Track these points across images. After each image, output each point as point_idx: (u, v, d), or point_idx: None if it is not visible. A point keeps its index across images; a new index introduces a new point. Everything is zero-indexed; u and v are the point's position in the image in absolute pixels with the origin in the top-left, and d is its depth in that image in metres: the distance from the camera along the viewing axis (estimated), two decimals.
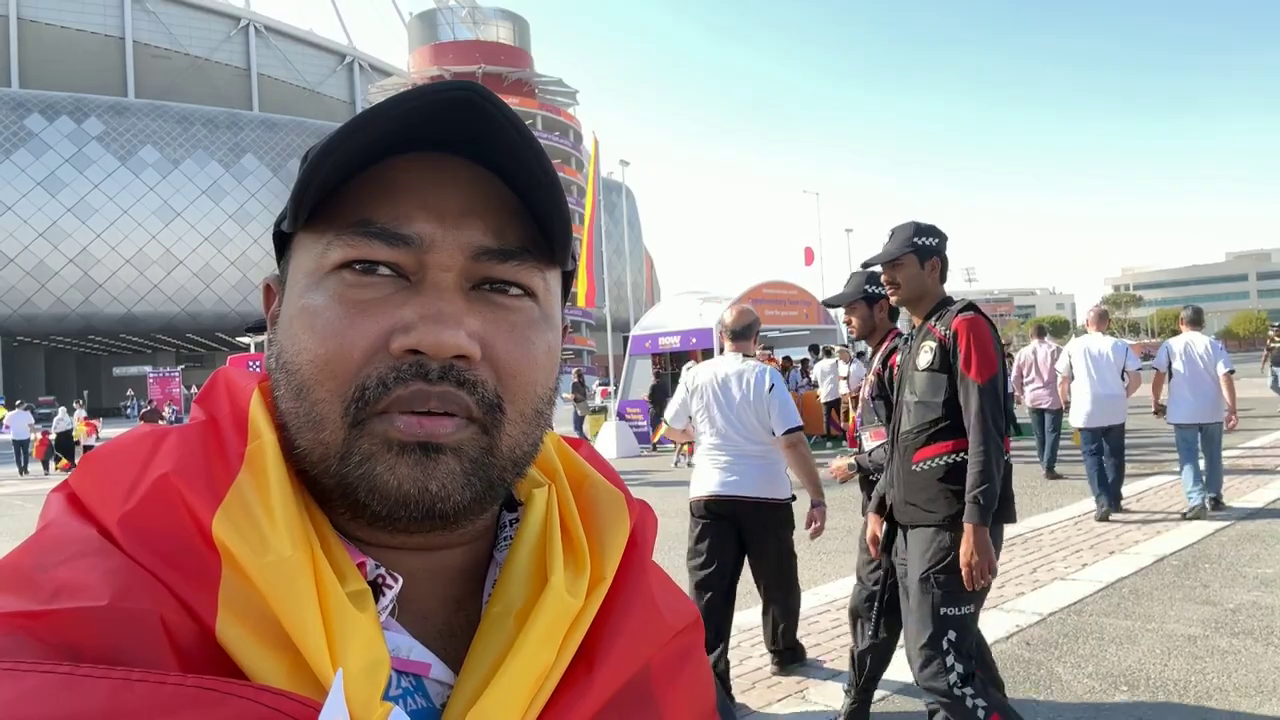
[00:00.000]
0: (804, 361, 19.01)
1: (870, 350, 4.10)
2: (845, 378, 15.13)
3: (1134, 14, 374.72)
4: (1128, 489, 8.98)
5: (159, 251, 66.51)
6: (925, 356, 3.07)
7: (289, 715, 0.42)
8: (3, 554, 0.49)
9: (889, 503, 3.25)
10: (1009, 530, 8.04)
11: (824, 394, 16.51)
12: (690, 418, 4.44)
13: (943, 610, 2.92)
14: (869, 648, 3.65)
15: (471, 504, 0.53)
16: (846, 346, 16.24)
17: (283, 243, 0.59)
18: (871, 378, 3.91)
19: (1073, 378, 8.58)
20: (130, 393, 52.66)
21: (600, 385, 21.91)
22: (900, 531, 3.20)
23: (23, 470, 21.67)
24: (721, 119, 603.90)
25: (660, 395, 18.28)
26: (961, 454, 2.95)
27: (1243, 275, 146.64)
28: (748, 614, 5.03)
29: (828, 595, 5.81)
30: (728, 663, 4.20)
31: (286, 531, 0.48)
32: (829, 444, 16.01)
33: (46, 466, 22.04)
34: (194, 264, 67.48)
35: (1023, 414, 14.97)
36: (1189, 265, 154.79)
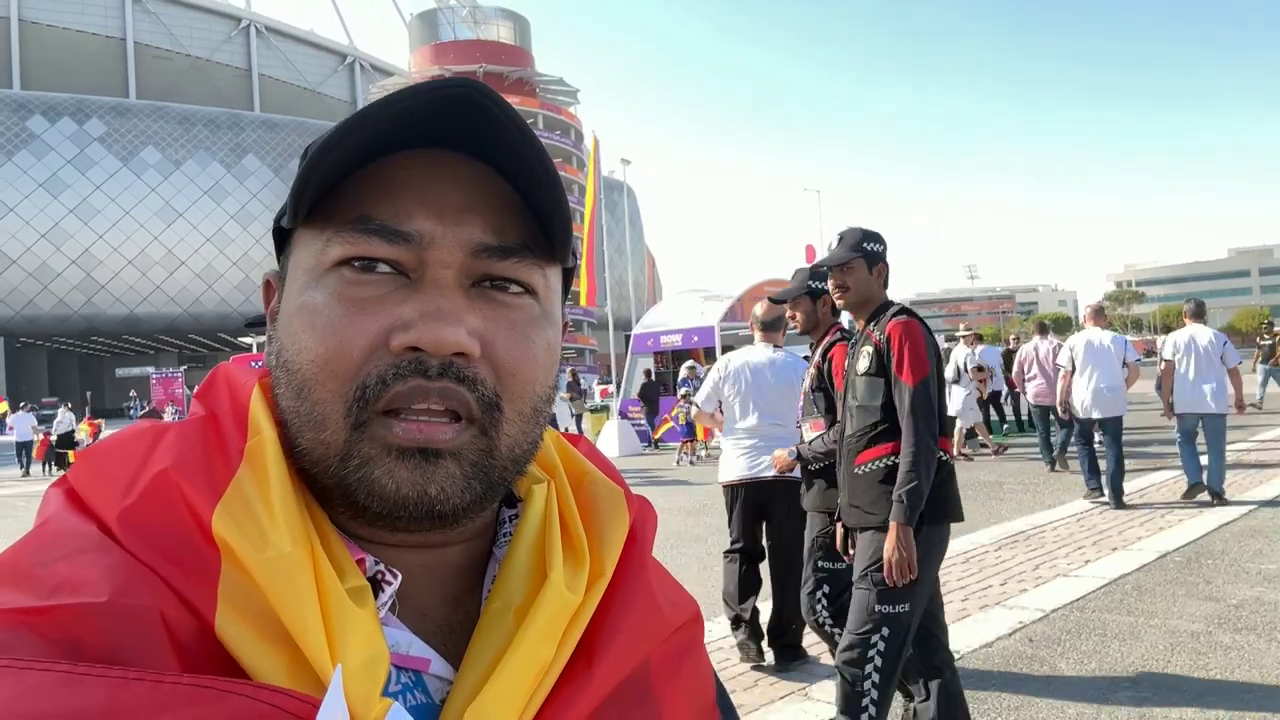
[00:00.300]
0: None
1: (812, 344, 4.16)
2: None
3: (1136, 10, 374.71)
4: (1131, 484, 9.03)
5: (161, 252, 66.63)
6: (863, 361, 3.15)
7: (288, 712, 0.42)
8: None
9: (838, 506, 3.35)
10: (1010, 527, 8.04)
11: None
12: (720, 402, 4.77)
13: (877, 608, 2.97)
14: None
15: (471, 505, 0.53)
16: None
17: (282, 238, 0.59)
18: (812, 370, 4.02)
19: (1074, 371, 8.74)
20: (133, 393, 52.72)
21: (600, 384, 21.89)
22: (849, 534, 3.30)
23: (25, 472, 21.72)
24: (722, 117, 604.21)
25: (652, 394, 18.29)
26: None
27: (1245, 271, 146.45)
28: None
29: None
30: (756, 610, 4.59)
31: (286, 527, 0.48)
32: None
33: (46, 468, 22.06)
34: (196, 265, 67.61)
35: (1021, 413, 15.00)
36: (1191, 261, 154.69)
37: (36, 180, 63.17)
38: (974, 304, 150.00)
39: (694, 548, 7.67)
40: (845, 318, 4.03)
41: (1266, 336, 19.11)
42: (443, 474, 0.51)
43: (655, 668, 0.57)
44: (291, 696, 0.43)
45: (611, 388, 21.33)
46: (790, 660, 4.49)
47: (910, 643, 3.04)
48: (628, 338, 20.14)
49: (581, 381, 20.99)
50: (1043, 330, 12.03)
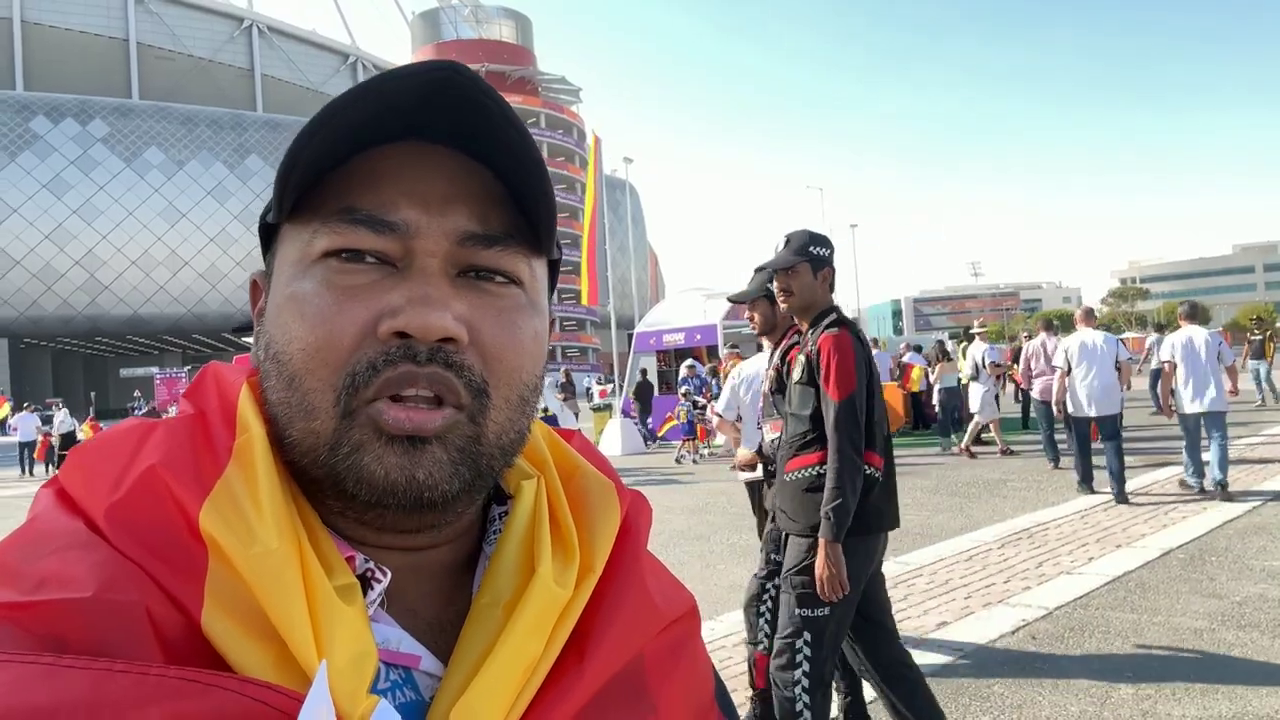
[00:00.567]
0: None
1: (770, 346, 4.17)
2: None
3: (1139, 5, 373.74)
4: (1134, 481, 9.09)
5: (164, 253, 66.74)
6: (797, 370, 3.15)
7: (273, 706, 0.42)
8: None
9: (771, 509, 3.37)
10: (1013, 524, 8.03)
11: None
12: (739, 410, 4.83)
13: (798, 611, 2.99)
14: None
15: (460, 493, 0.53)
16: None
17: (268, 237, 0.59)
18: (771, 372, 4.03)
19: (1069, 371, 8.97)
20: (137, 394, 52.77)
21: (599, 385, 21.85)
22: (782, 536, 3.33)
23: (27, 472, 21.76)
24: (724, 116, 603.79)
25: (645, 393, 18.29)
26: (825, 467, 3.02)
27: (1249, 268, 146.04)
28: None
29: None
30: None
31: (274, 524, 0.48)
32: None
33: (48, 469, 22.11)
34: (200, 265, 67.72)
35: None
36: (1195, 258, 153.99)
37: (40, 181, 63.29)
38: (978, 301, 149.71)
39: (696, 546, 7.67)
40: None
41: (1255, 332, 18.96)
42: (430, 459, 0.51)
43: (650, 662, 0.57)
44: (277, 691, 0.43)
45: (610, 388, 21.30)
46: None
47: (837, 646, 3.05)
48: (630, 336, 20.14)
49: (575, 384, 20.97)
50: (1049, 327, 12.06)
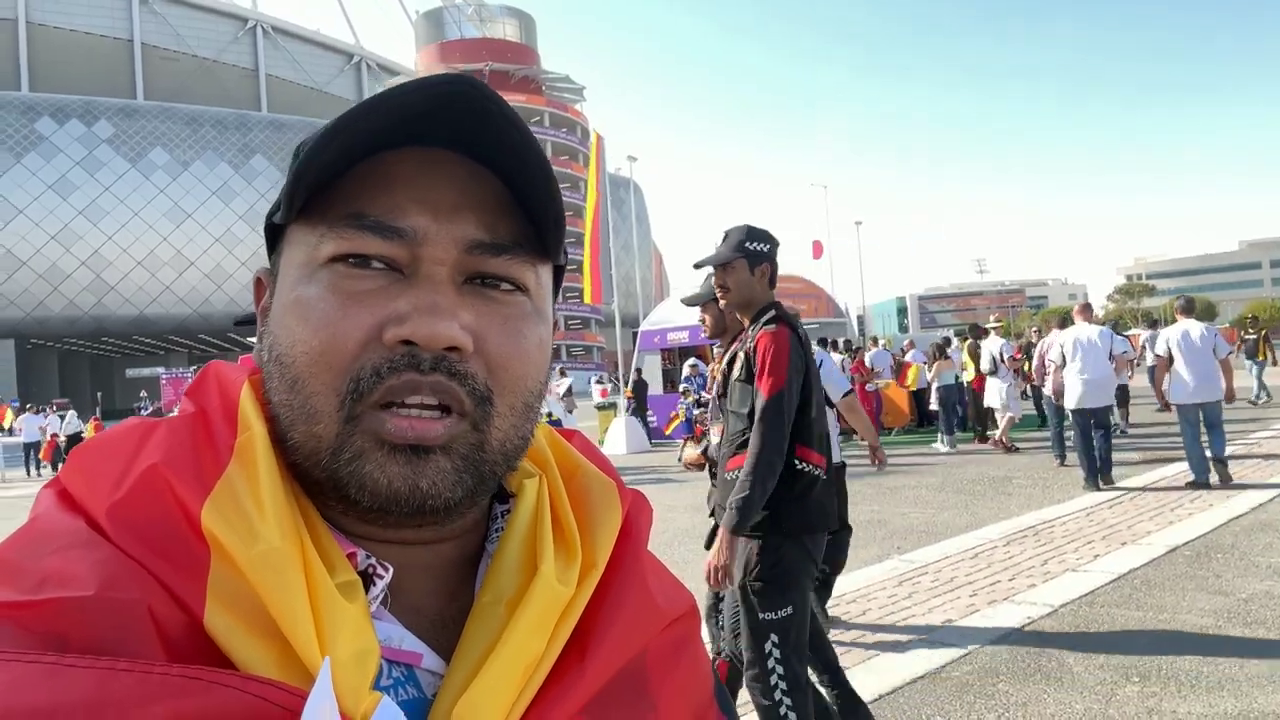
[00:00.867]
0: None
1: (719, 349, 4.16)
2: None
3: (1144, 1, 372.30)
4: (1140, 478, 9.18)
5: (170, 253, 66.87)
6: (737, 368, 3.11)
7: (276, 704, 0.42)
8: None
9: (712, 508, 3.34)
10: (1019, 522, 8.01)
11: None
12: None
13: (762, 616, 2.95)
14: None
15: (463, 500, 0.53)
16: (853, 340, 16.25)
17: (274, 235, 0.59)
18: (719, 375, 4.01)
19: (1064, 365, 9.31)
20: (144, 394, 52.86)
21: (599, 385, 21.81)
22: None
23: (32, 472, 21.83)
24: (727, 114, 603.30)
25: (640, 392, 18.28)
26: None
27: (1256, 263, 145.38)
28: None
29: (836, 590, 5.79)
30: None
31: (276, 522, 0.48)
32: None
33: (55, 469, 22.18)
34: (205, 265, 67.82)
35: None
36: (1202, 254, 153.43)
37: (45, 182, 63.42)
38: (983, 298, 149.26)
39: (699, 544, 7.64)
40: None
41: (1250, 331, 18.83)
42: (434, 468, 0.51)
43: (651, 660, 0.57)
44: (280, 688, 0.43)
45: (609, 386, 21.28)
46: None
47: (803, 643, 3.02)
48: (635, 335, 20.14)
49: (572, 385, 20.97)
50: (1063, 325, 12.06)
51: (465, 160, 0.55)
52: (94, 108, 66.62)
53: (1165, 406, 9.32)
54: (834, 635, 4.90)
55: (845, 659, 4.51)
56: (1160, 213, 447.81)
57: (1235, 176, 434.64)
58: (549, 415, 13.51)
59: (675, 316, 18.39)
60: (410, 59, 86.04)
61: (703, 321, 4.11)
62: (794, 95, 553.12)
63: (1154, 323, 20.78)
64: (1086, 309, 9.84)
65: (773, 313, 3.10)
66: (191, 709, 0.41)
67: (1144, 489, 8.77)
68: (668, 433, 17.49)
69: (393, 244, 0.52)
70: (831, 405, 4.67)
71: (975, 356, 13.95)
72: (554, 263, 0.60)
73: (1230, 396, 8.86)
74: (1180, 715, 3.65)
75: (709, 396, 5.01)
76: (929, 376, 14.75)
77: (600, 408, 19.74)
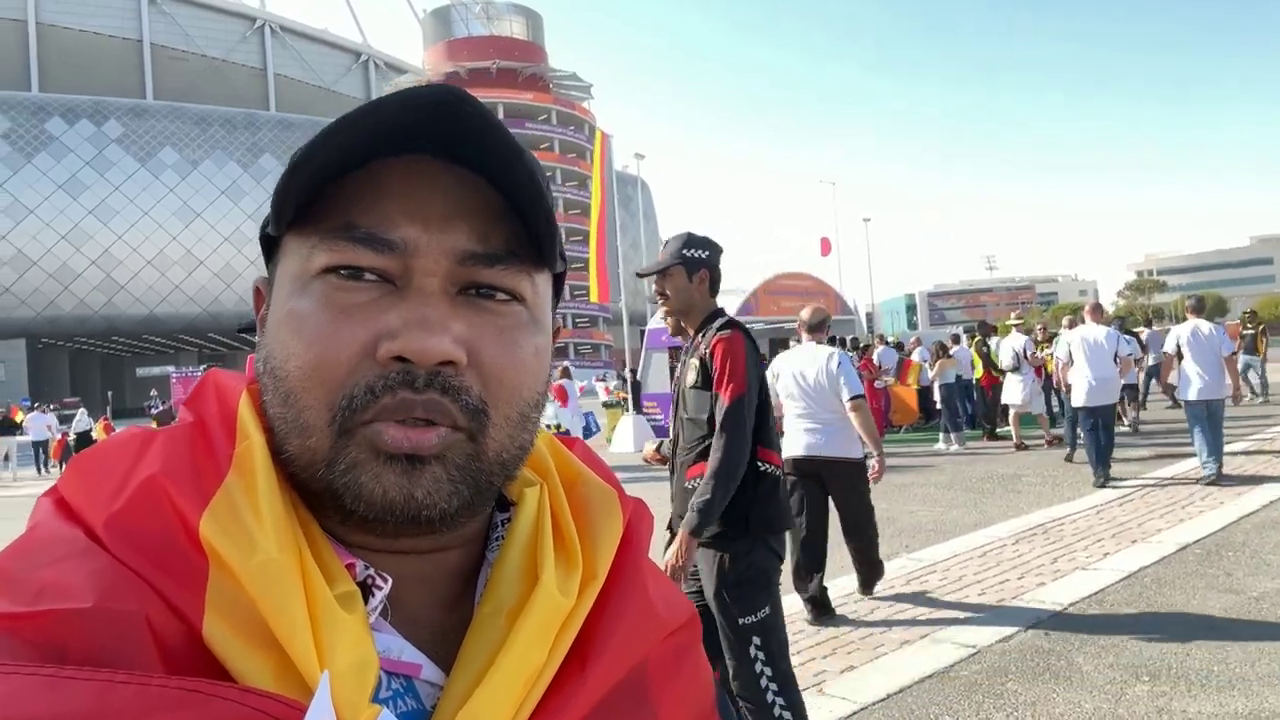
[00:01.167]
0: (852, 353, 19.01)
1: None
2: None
3: None
4: (1151, 475, 9.24)
5: (180, 252, 67.17)
6: (691, 374, 3.11)
7: (274, 716, 0.42)
8: None
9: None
10: (1028, 520, 7.99)
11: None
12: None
13: (741, 620, 2.95)
14: None
15: (459, 510, 0.53)
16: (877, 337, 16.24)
17: (270, 245, 0.59)
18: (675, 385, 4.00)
19: (1071, 363, 9.52)
20: (154, 393, 53.08)
21: (602, 383, 21.82)
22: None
23: (42, 471, 21.97)
24: (735, 111, 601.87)
25: (634, 391, 18.26)
26: None
27: (1267, 259, 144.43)
28: None
29: (841, 588, 5.79)
30: (825, 588, 5.25)
31: (274, 533, 0.48)
32: None
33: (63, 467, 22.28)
34: (215, 264, 68.10)
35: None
36: (1212, 250, 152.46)
37: (56, 182, 63.77)
38: (993, 295, 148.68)
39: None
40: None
41: (1248, 326, 18.76)
42: (429, 478, 0.51)
43: (652, 670, 0.57)
44: (278, 701, 0.43)
45: (614, 384, 21.29)
46: (870, 587, 5.57)
47: (784, 641, 3.02)
48: (643, 333, 20.14)
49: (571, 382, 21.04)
50: (1073, 323, 12.06)
51: (453, 168, 0.54)
52: (104, 108, 66.92)
53: (1174, 403, 9.45)
54: (842, 633, 4.90)
55: (853, 657, 4.51)
56: (1170, 208, 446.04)
57: (1246, 172, 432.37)
58: (559, 426, 13.48)
59: None
60: (418, 57, 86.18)
61: (661, 293, 4.12)
62: (804, 92, 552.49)
63: (1149, 322, 20.83)
64: (1097, 309, 10.04)
65: (724, 319, 3.12)
66: None
67: (1155, 485, 8.75)
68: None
69: (384, 256, 0.52)
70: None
71: (983, 354, 13.94)
72: (550, 270, 0.59)
73: (1237, 394, 9.04)
74: (1190, 714, 3.63)
75: None
76: (930, 375, 14.74)
77: (608, 405, 19.75)
